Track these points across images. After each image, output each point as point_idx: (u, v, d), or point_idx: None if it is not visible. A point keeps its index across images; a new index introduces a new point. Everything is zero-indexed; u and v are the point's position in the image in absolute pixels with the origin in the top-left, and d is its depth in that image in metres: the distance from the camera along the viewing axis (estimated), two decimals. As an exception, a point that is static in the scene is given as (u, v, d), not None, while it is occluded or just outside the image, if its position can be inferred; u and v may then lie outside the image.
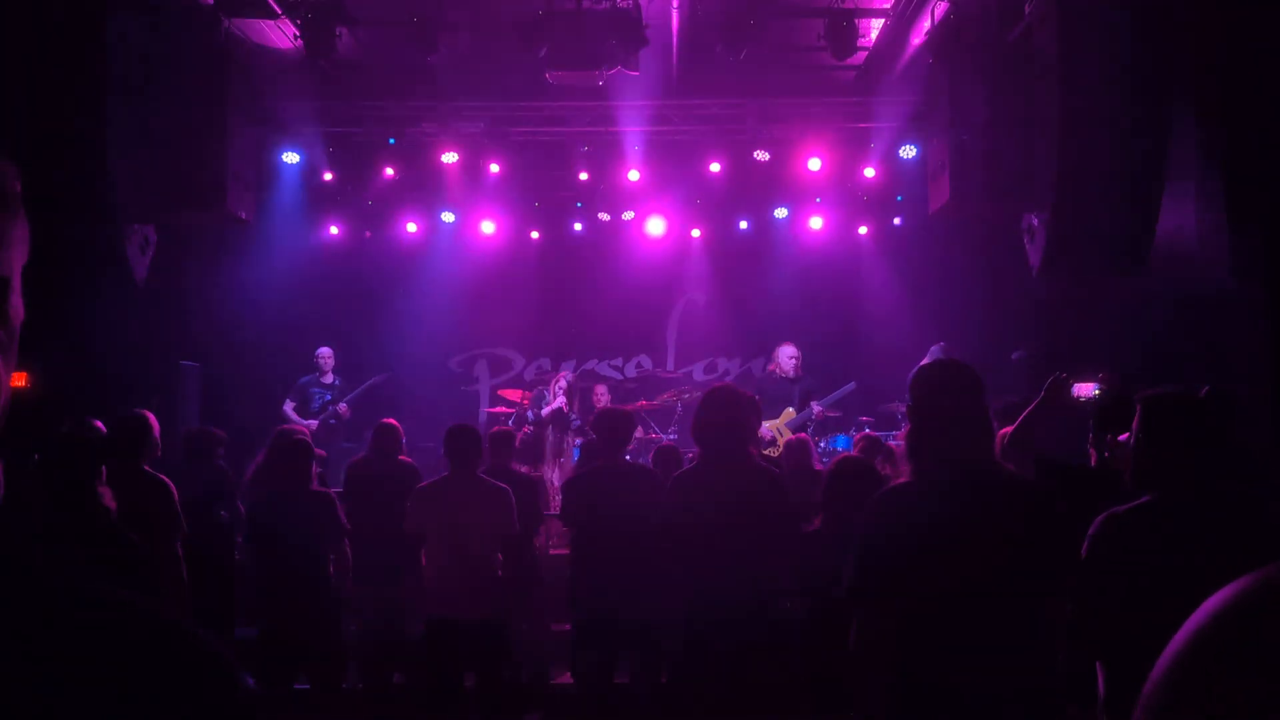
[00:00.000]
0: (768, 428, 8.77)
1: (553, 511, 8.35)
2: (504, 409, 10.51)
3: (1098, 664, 2.68)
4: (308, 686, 5.56)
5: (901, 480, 2.79)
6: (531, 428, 9.16)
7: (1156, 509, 2.63)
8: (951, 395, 2.69)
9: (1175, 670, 0.63)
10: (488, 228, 11.41)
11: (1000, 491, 2.65)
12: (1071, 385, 4.10)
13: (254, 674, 4.43)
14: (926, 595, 2.53)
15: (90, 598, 0.69)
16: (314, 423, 9.36)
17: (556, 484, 9.07)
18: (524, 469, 8.82)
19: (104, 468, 3.62)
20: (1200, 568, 2.25)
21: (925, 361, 2.91)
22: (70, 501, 3.47)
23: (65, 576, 0.70)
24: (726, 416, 4.21)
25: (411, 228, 11.35)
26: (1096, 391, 4.12)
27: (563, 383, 9.29)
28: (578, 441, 9.83)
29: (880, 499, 2.74)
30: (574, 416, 9.30)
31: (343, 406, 9.43)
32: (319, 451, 6.34)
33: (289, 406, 9.52)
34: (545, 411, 9.15)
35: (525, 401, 9.57)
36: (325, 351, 9.80)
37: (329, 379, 9.69)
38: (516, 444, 8.29)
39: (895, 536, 2.61)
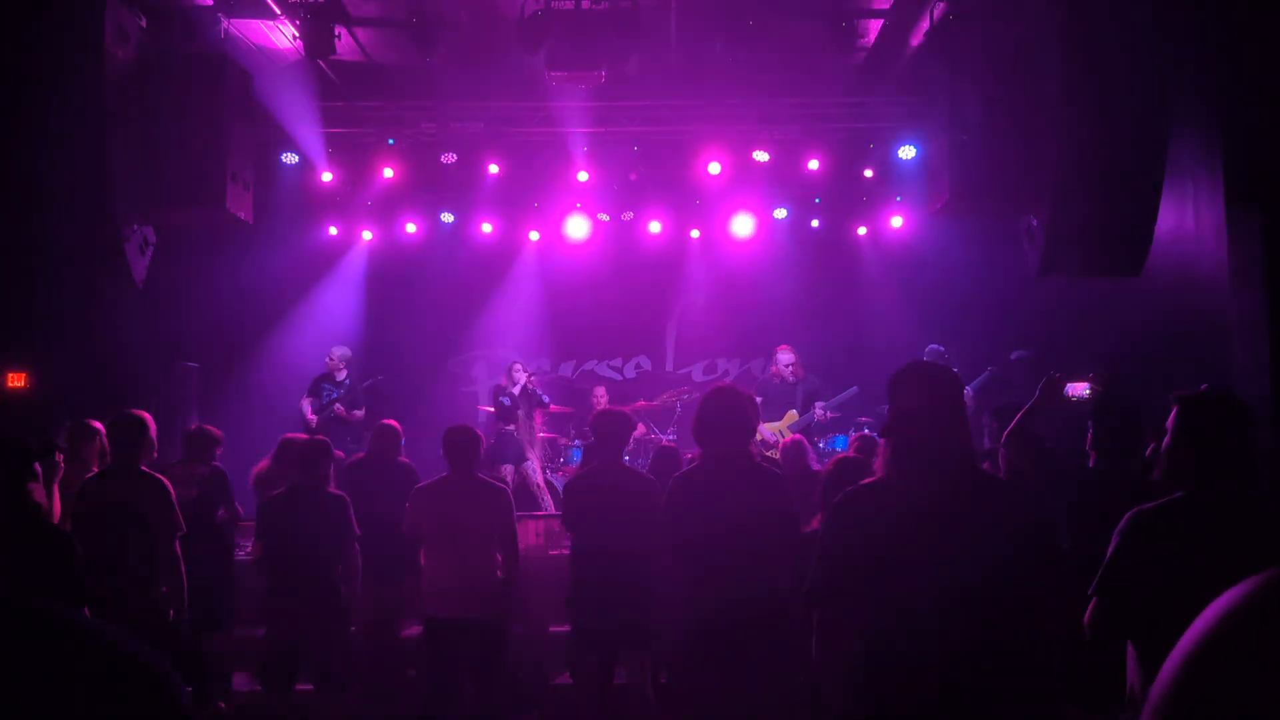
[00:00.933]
0: (770, 430, 8.78)
1: (545, 511, 8.40)
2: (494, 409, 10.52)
3: (1129, 657, 2.66)
4: (310, 686, 5.56)
5: (868, 480, 2.75)
6: (514, 424, 9.22)
7: (1188, 507, 2.62)
8: (923, 396, 2.67)
9: (1184, 669, 0.63)
10: (487, 228, 11.41)
11: (970, 489, 2.61)
12: (1065, 384, 4.14)
13: (259, 673, 4.46)
14: (891, 595, 2.49)
15: (17, 611, 0.68)
16: (314, 419, 9.35)
17: (539, 478, 9.12)
18: (508, 467, 8.92)
19: (37, 467, 3.77)
20: (1227, 568, 2.23)
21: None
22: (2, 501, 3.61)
23: None
24: (728, 416, 4.20)
25: (411, 228, 11.35)
26: (1088, 391, 4.15)
27: (519, 365, 9.49)
28: (578, 442, 9.87)
29: (844, 499, 2.70)
30: (541, 393, 9.49)
31: (339, 407, 9.39)
32: (338, 453, 6.34)
33: (305, 403, 9.48)
34: (516, 390, 9.25)
35: (498, 395, 9.60)
36: (337, 351, 9.70)
37: (341, 376, 9.61)
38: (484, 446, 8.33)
39: (858, 536, 2.58)
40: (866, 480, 2.75)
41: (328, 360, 9.65)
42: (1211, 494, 2.61)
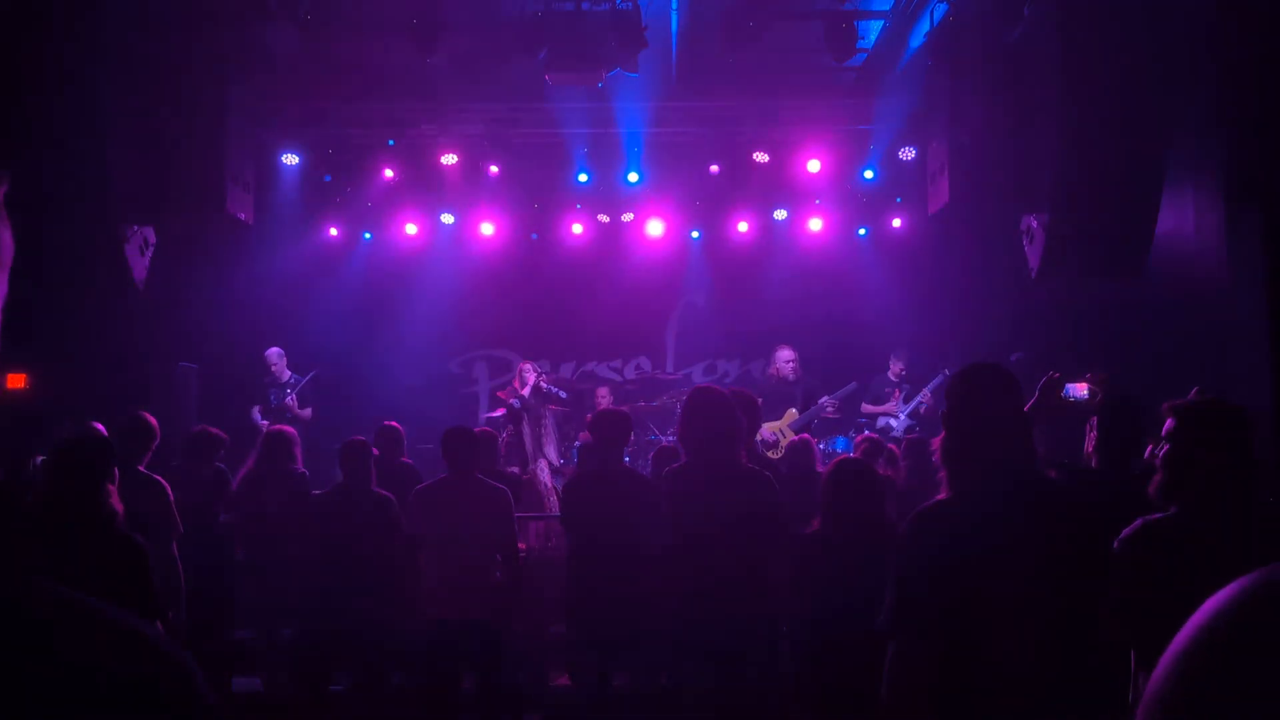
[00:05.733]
0: (771, 429, 8.78)
1: (549, 512, 8.37)
2: (504, 411, 10.50)
3: (1132, 665, 2.63)
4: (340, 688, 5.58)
5: (941, 496, 2.58)
6: (520, 426, 9.17)
7: (1190, 520, 2.56)
8: (992, 401, 2.53)
9: (1178, 666, 0.63)
10: (487, 229, 11.40)
11: (1049, 504, 2.50)
12: (1064, 385, 4.12)
13: (292, 670, 4.37)
14: (974, 621, 2.37)
15: (46, 601, 0.67)
16: (264, 423, 9.26)
17: (549, 480, 9.09)
18: (514, 469, 8.86)
19: (115, 470, 3.63)
20: (1230, 579, 2.19)
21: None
22: (75, 503, 3.48)
23: (22, 578, 0.68)
24: (712, 423, 4.17)
25: (411, 229, 11.34)
26: (1086, 392, 4.14)
27: (528, 366, 9.41)
28: (578, 444, 9.85)
29: (919, 517, 2.54)
30: (557, 390, 9.42)
31: (289, 399, 9.31)
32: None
33: (256, 411, 9.40)
34: (526, 391, 9.19)
35: (507, 398, 9.57)
36: (272, 352, 9.60)
37: (285, 377, 9.53)
38: (502, 448, 8.29)
39: (938, 558, 2.43)
40: (935, 499, 2.59)
41: (270, 365, 9.53)
42: (1212, 506, 2.56)
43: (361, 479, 5.47)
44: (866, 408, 9.19)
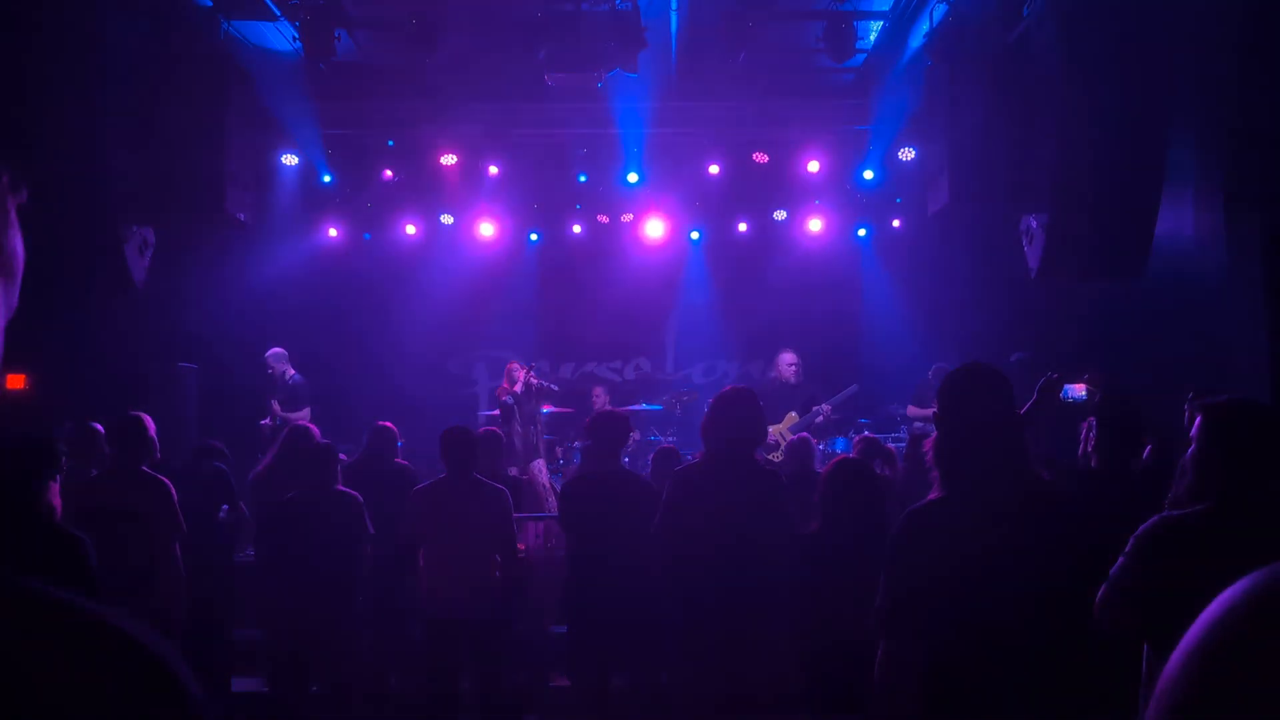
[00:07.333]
0: (771, 431, 8.79)
1: (548, 512, 8.37)
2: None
3: (1144, 654, 2.62)
4: (316, 690, 5.54)
5: (934, 496, 2.58)
6: (511, 425, 9.17)
7: (1219, 518, 2.52)
8: (985, 402, 2.54)
9: (1189, 664, 0.63)
10: (486, 230, 11.40)
11: (1041, 505, 2.49)
12: (1062, 386, 4.12)
13: (268, 677, 4.38)
14: (965, 621, 2.38)
15: (24, 595, 0.67)
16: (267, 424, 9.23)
17: (547, 480, 9.10)
18: (513, 469, 8.86)
19: (56, 472, 3.72)
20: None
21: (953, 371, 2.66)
22: (11, 503, 3.57)
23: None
24: (741, 418, 4.19)
25: (410, 230, 11.34)
26: (1085, 392, 4.14)
27: (516, 364, 9.44)
28: (578, 445, 9.86)
29: (912, 517, 2.57)
30: (549, 384, 9.47)
31: (274, 405, 9.26)
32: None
33: (268, 419, 9.36)
34: (518, 388, 9.20)
35: (501, 396, 9.57)
36: (270, 354, 9.55)
37: (288, 376, 9.46)
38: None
39: (930, 558, 2.45)
40: (928, 499, 2.59)
41: (269, 368, 9.45)
42: (1242, 505, 2.51)
43: (325, 480, 5.39)
44: (913, 410, 9.17)
